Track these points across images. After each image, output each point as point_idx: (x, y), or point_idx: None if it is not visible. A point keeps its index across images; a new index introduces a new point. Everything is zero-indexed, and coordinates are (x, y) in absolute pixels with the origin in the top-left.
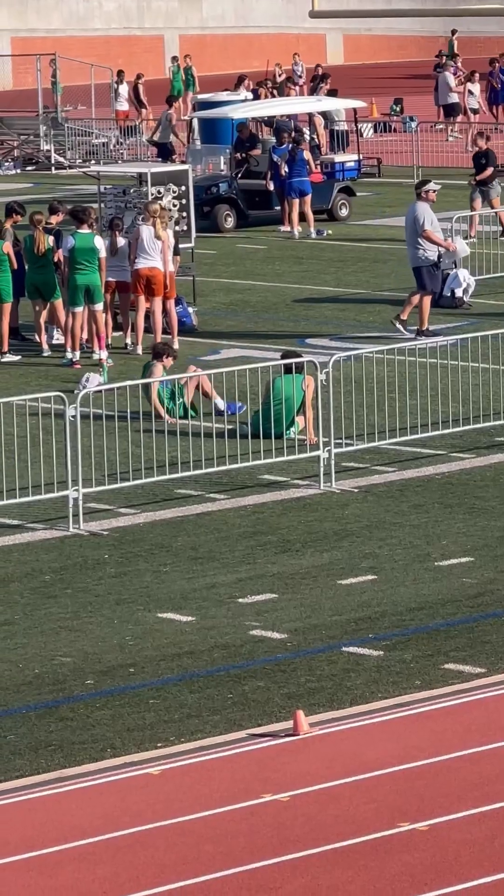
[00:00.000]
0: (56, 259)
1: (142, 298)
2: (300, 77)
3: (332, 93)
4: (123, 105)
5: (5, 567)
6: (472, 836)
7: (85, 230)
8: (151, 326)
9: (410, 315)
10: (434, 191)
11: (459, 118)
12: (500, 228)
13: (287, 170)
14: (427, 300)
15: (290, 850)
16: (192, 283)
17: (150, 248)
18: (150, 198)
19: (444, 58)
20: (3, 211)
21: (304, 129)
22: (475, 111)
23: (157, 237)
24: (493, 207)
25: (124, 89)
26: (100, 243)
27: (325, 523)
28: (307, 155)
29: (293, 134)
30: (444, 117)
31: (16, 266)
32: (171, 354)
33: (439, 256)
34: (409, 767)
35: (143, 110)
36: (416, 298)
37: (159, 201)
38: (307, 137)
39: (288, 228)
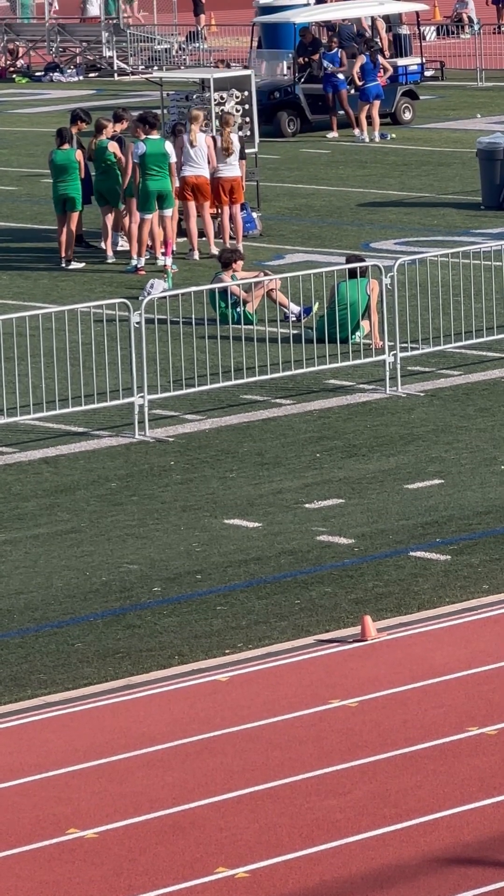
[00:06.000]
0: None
1: (192, 204)
2: None
3: None
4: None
5: (71, 475)
6: None
7: (155, 136)
8: (204, 231)
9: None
10: None
11: None
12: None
13: (362, 75)
14: None
15: (359, 755)
16: (255, 188)
17: (196, 156)
18: (213, 103)
19: None
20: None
21: (367, 34)
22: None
23: (192, 144)
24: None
25: None
26: (170, 148)
27: (390, 428)
28: (381, 59)
29: (364, 38)
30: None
31: (83, 175)
32: (238, 259)
33: None
34: (477, 672)
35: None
36: None
37: (222, 107)
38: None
39: (358, 132)
